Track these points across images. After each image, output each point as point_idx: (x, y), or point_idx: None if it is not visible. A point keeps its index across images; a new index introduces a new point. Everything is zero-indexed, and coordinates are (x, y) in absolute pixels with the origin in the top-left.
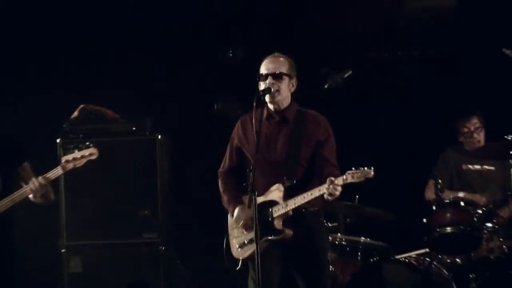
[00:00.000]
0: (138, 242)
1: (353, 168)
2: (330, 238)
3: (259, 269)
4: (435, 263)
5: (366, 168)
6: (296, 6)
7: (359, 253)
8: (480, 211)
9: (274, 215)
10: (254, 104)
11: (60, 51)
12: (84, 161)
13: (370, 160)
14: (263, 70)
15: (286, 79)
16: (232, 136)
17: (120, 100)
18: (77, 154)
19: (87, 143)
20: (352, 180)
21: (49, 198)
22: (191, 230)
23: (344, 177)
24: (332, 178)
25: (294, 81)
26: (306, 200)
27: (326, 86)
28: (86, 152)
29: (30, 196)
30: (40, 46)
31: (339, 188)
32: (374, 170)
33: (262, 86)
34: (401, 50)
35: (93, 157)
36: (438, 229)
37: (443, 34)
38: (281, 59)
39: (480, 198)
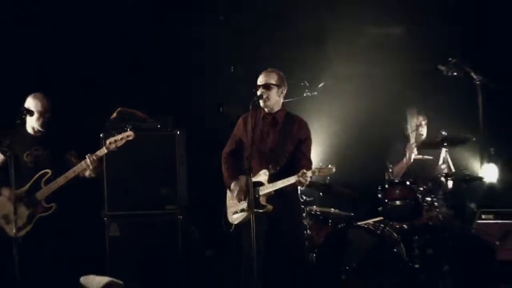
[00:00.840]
0: (161, 212)
1: (321, 164)
2: (307, 209)
3: (254, 230)
4: (387, 228)
5: (329, 165)
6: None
7: (330, 221)
8: (421, 189)
9: (260, 193)
10: (250, 106)
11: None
12: (123, 141)
13: (339, 154)
14: (258, 81)
15: (274, 88)
16: (235, 128)
17: (148, 103)
18: (117, 136)
19: (125, 127)
20: (318, 175)
21: (99, 171)
22: (202, 204)
23: (312, 171)
24: (304, 171)
25: (282, 89)
26: (284, 184)
27: (304, 94)
28: (124, 134)
29: (84, 172)
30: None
31: (308, 178)
32: (335, 167)
33: (258, 93)
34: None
35: (130, 138)
36: (389, 202)
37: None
38: (272, 73)
39: (421, 179)
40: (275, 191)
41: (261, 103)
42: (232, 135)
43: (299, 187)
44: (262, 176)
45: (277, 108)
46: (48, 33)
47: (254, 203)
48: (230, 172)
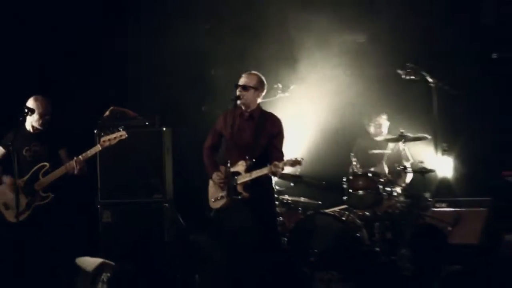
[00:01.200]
0: (149, 201)
1: (289, 158)
2: (279, 198)
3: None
4: (351, 215)
5: (298, 158)
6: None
7: (300, 208)
8: (382, 180)
9: (238, 182)
10: (231, 106)
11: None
12: (116, 140)
13: (308, 149)
14: (239, 81)
15: (251, 90)
16: (216, 123)
17: (138, 103)
18: (111, 135)
19: (119, 128)
20: (289, 166)
21: (83, 172)
22: (185, 192)
23: (283, 163)
24: (276, 162)
25: (260, 91)
26: (258, 174)
27: (277, 95)
28: (118, 134)
29: (72, 170)
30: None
31: (279, 169)
32: (304, 159)
33: (237, 93)
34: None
35: (123, 137)
36: (353, 192)
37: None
38: (253, 75)
39: (382, 172)
40: (251, 180)
41: (238, 102)
42: (212, 130)
43: (272, 177)
44: (240, 166)
45: (253, 106)
46: (46, 33)
47: (232, 190)
48: (211, 163)
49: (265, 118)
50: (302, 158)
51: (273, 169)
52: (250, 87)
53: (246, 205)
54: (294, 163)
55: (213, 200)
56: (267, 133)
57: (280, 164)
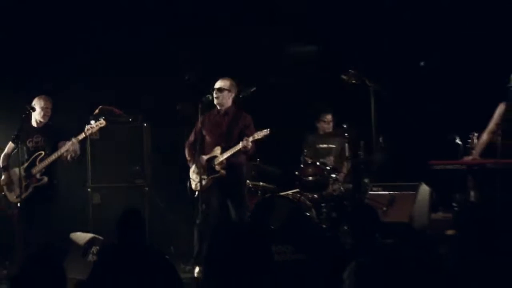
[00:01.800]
0: (132, 185)
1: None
2: None
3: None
4: (302, 197)
5: (264, 130)
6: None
7: (259, 191)
8: (328, 168)
9: (215, 163)
10: (203, 105)
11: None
12: (97, 128)
13: (269, 142)
14: (215, 85)
15: (225, 92)
16: (196, 124)
17: (124, 102)
18: (93, 124)
19: (100, 119)
20: (258, 137)
21: (76, 157)
22: (164, 178)
23: (252, 136)
24: (246, 137)
25: (232, 93)
26: (231, 152)
27: (241, 96)
28: (98, 123)
29: (66, 155)
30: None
31: (250, 143)
32: (270, 131)
33: (214, 95)
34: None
35: (102, 125)
36: (304, 178)
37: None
38: (226, 80)
39: (329, 161)
40: (227, 163)
41: (215, 101)
42: (194, 129)
43: (244, 167)
44: (216, 151)
45: (227, 105)
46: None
47: (211, 170)
48: (192, 155)
49: (237, 114)
50: (268, 130)
51: (244, 143)
52: (224, 89)
53: (221, 186)
54: (261, 133)
55: (194, 184)
56: (239, 126)
57: (250, 138)
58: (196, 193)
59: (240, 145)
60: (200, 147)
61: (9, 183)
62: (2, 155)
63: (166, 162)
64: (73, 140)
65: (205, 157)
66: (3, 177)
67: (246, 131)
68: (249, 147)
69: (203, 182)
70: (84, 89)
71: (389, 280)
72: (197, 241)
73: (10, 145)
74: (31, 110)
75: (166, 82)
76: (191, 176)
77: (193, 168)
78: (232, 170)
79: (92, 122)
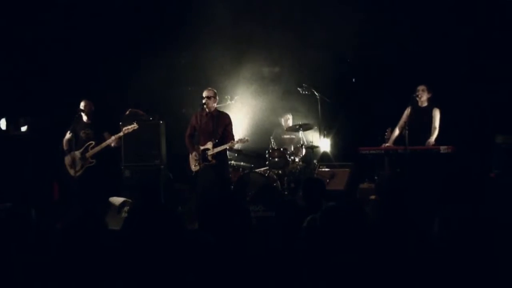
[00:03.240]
0: (151, 164)
1: (238, 138)
2: (229, 162)
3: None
4: (271, 173)
5: (246, 138)
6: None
7: (240, 169)
8: (288, 152)
9: (208, 154)
10: (199, 108)
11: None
12: (131, 129)
13: (249, 134)
14: (203, 94)
15: (212, 99)
16: (191, 120)
17: (145, 105)
18: (129, 127)
19: (133, 123)
20: (240, 143)
21: (118, 145)
22: (174, 160)
23: (236, 141)
24: (232, 141)
25: (215, 99)
26: (221, 148)
27: (227, 102)
28: (132, 126)
29: (111, 144)
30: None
31: (234, 146)
32: (247, 139)
33: (203, 102)
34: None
35: (135, 128)
36: (272, 159)
37: None
38: (210, 90)
39: (289, 148)
40: (216, 152)
41: (205, 106)
42: (190, 124)
43: (227, 152)
44: (208, 145)
45: (212, 109)
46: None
47: (204, 158)
48: (191, 145)
49: (220, 116)
50: (247, 139)
51: (230, 145)
52: (210, 97)
53: (212, 169)
54: (242, 140)
55: (193, 166)
56: (222, 124)
57: (234, 142)
58: (194, 172)
59: (227, 145)
60: (196, 139)
61: (71, 162)
62: (64, 140)
63: (175, 149)
64: (117, 136)
65: (201, 148)
66: (67, 158)
67: (227, 128)
68: (233, 147)
69: (199, 167)
70: (117, 95)
71: (331, 230)
72: (196, 203)
73: (68, 135)
74: (80, 112)
75: (175, 93)
76: (190, 160)
77: (192, 155)
78: (219, 158)
79: (129, 125)
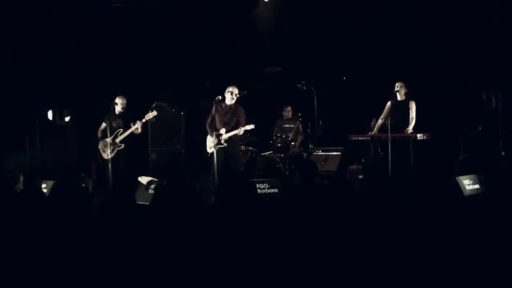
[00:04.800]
0: (174, 148)
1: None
2: (240, 147)
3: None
4: (275, 156)
5: (252, 125)
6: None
7: (249, 152)
8: (289, 138)
9: (221, 138)
10: (217, 102)
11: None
12: (152, 116)
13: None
14: (227, 90)
15: (236, 97)
16: (211, 110)
17: (169, 99)
18: (149, 114)
19: (153, 111)
20: (247, 128)
21: (141, 132)
22: (192, 144)
23: (244, 127)
24: (241, 127)
25: (235, 95)
26: (232, 133)
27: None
28: (153, 113)
29: (136, 131)
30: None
31: (242, 131)
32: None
33: (230, 96)
34: None
35: (155, 115)
36: (275, 144)
37: None
38: (232, 86)
39: (290, 135)
40: (228, 137)
41: (226, 100)
42: (210, 113)
43: (237, 141)
44: (222, 130)
45: (231, 102)
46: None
47: (218, 142)
48: (211, 129)
49: (236, 108)
50: (253, 126)
51: (238, 131)
52: (232, 92)
53: (225, 151)
54: (249, 126)
55: (208, 147)
56: (236, 115)
57: (243, 128)
58: (209, 154)
59: (236, 131)
60: (214, 126)
61: (104, 147)
62: (99, 130)
63: (193, 135)
64: (139, 122)
65: (216, 133)
66: (100, 143)
67: (240, 119)
68: (241, 133)
69: (213, 149)
70: (143, 91)
71: (325, 204)
72: (212, 181)
73: (103, 125)
74: (114, 105)
75: (194, 89)
76: (207, 142)
77: (209, 138)
78: (230, 143)
79: (150, 112)
